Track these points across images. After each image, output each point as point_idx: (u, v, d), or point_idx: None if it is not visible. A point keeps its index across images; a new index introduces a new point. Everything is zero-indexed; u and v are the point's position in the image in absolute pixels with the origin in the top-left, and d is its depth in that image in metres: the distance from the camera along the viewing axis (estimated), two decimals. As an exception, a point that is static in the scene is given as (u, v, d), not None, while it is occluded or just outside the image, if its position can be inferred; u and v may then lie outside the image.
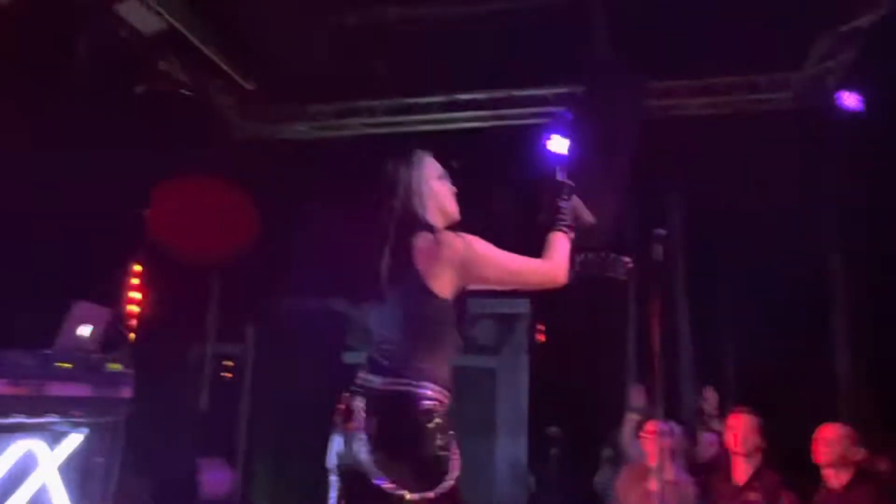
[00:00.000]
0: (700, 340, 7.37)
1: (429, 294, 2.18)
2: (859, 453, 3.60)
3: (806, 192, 6.46)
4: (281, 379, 7.39)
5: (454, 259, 2.20)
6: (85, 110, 5.00)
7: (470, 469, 8.09)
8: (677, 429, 4.60)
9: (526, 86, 6.78)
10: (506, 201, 7.84)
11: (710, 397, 5.75)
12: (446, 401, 2.19)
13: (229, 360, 7.69)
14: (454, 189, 2.44)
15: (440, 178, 2.41)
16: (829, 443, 3.61)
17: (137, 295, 6.15)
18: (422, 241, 2.22)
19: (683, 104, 6.59)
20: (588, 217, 2.57)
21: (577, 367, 8.01)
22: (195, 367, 7.09)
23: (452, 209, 2.42)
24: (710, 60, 6.24)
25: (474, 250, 2.23)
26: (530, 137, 6.85)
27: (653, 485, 4.37)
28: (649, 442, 4.41)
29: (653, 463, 4.41)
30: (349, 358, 8.83)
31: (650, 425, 4.48)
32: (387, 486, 2.02)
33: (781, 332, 6.65)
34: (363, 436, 2.09)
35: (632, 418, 5.48)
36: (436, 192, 2.37)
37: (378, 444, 2.06)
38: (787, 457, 4.11)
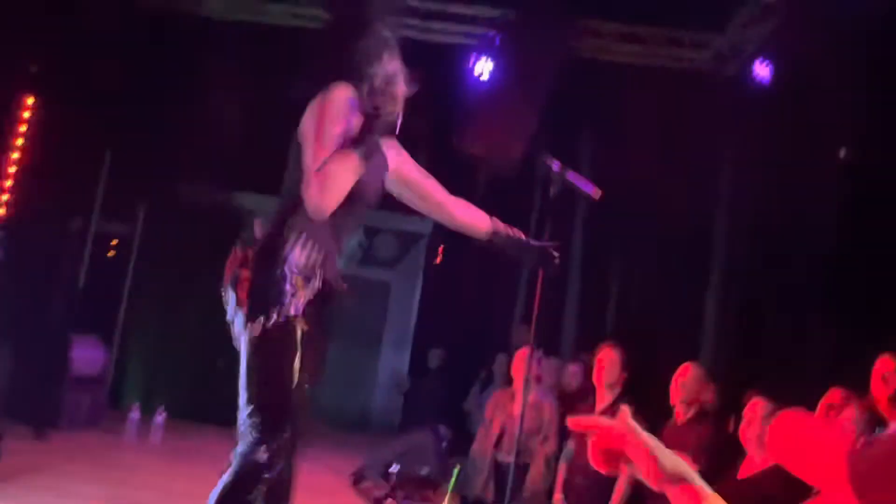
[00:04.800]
0: (588, 283, 7.67)
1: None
2: (706, 393, 3.90)
3: (706, 155, 6.73)
4: (168, 264, 7.20)
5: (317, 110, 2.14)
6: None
7: (354, 373, 8.28)
8: (545, 359, 4.81)
9: (458, 1, 6.63)
10: (421, 120, 7.75)
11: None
12: (314, 252, 2.18)
13: (115, 238, 7.40)
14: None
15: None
16: (684, 382, 3.89)
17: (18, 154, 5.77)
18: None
19: (608, 48, 6.65)
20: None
21: (467, 293, 8.20)
22: (76, 240, 6.76)
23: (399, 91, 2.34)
24: (641, 8, 6.29)
25: (326, 106, 2.14)
26: (453, 57, 6.75)
27: (516, 407, 4.61)
28: (516, 367, 4.63)
29: (518, 387, 4.64)
30: (243, 254, 8.69)
31: (519, 352, 4.69)
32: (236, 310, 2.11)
33: (662, 280, 7.01)
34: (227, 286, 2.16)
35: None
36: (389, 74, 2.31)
37: (237, 286, 2.13)
38: (651, 391, 4.40)
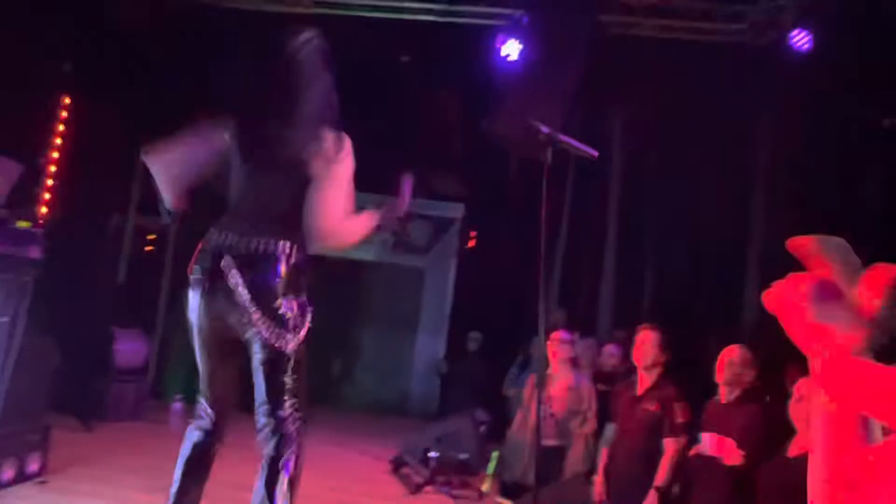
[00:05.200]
0: (624, 262, 7.56)
1: (309, 176, 2.43)
2: (751, 374, 3.82)
3: (741, 129, 6.56)
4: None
5: (332, 160, 2.43)
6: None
7: (392, 359, 8.29)
8: (580, 339, 4.77)
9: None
10: (452, 102, 7.71)
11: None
12: (303, 259, 2.41)
13: (152, 233, 7.51)
14: None
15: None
16: (729, 363, 3.83)
17: (55, 154, 5.88)
18: (327, 135, 2.45)
19: (639, 23, 6.50)
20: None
21: (501, 276, 8.16)
22: (114, 237, 6.88)
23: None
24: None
25: (343, 166, 2.45)
26: (482, 38, 6.67)
27: (553, 389, 4.59)
28: (551, 350, 4.60)
29: (555, 370, 4.62)
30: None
31: (554, 334, 4.65)
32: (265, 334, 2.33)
33: (700, 260, 6.89)
34: (242, 290, 2.33)
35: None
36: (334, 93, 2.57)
37: (253, 297, 2.32)
38: (689, 372, 4.35)
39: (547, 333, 4.71)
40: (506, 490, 4.74)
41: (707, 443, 3.67)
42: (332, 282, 8.81)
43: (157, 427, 5.95)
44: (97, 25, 5.96)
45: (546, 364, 4.68)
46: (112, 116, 6.07)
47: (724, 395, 3.84)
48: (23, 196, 4.24)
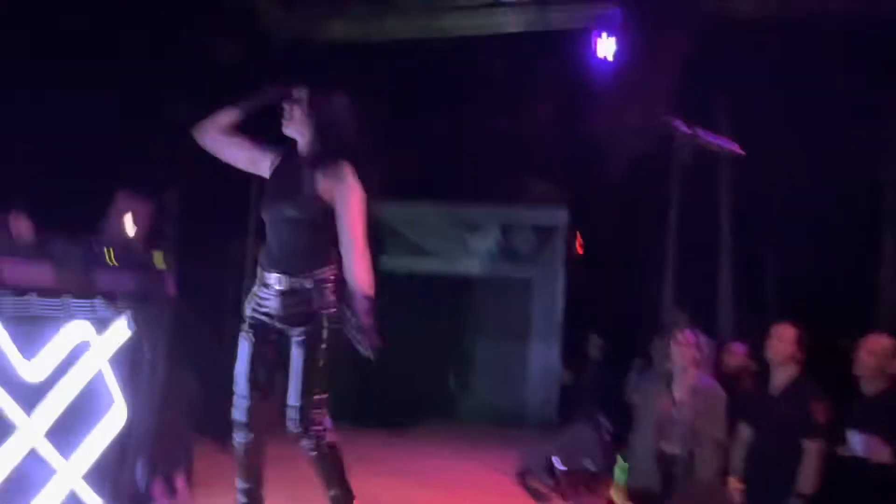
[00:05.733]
0: (741, 251, 7.24)
1: None
2: (893, 365, 3.58)
3: (865, 102, 6.14)
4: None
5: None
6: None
7: (506, 370, 8.26)
8: (704, 339, 4.61)
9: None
10: (547, 109, 7.67)
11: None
12: None
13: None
14: None
15: None
16: (871, 353, 3.61)
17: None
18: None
19: (736, 5, 6.24)
20: None
21: (612, 280, 8.00)
22: (236, 262, 7.21)
23: None
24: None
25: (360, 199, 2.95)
26: (575, 42, 6.60)
27: (678, 392, 4.45)
28: (676, 351, 4.47)
29: (680, 371, 4.48)
30: (385, 264, 8.93)
31: (680, 336, 4.51)
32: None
33: (825, 249, 6.49)
34: None
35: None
36: None
37: None
38: (824, 368, 4.11)
39: (670, 335, 4.59)
40: (634, 497, 4.62)
41: (853, 442, 3.45)
42: (442, 298, 8.90)
43: (288, 444, 6.18)
44: (212, 66, 6.31)
45: (669, 366, 4.55)
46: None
47: (868, 388, 3.61)
48: (154, 232, 4.53)
